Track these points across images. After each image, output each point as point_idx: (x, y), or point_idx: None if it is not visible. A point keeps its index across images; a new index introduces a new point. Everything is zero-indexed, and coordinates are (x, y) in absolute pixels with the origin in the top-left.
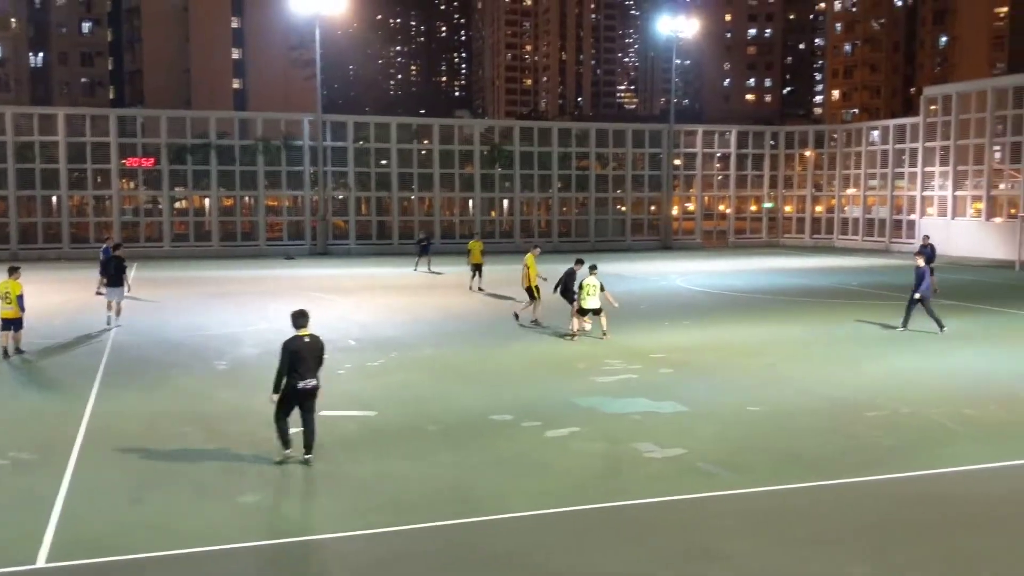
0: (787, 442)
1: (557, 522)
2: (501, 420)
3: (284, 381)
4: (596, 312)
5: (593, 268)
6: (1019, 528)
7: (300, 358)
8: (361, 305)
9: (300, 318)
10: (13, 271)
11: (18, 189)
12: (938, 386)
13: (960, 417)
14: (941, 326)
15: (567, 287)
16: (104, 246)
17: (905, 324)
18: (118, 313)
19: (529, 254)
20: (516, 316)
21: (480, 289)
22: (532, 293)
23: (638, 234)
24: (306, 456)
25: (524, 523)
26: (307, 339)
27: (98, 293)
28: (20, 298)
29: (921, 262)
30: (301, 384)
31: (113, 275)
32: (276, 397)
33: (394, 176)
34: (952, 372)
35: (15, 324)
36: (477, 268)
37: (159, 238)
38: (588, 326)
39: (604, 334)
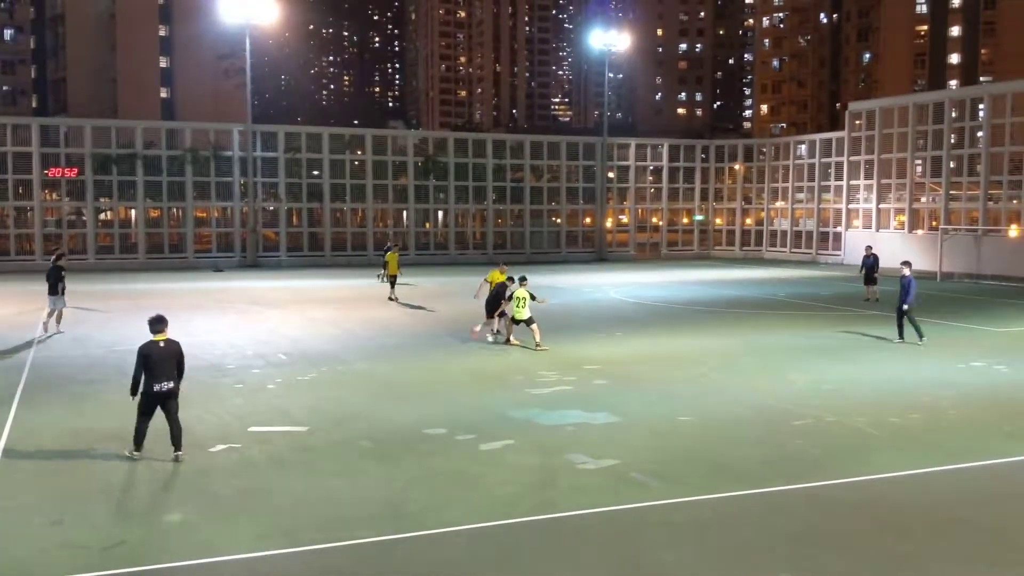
0: (717, 451)
1: (491, 536)
2: (435, 434)
3: (142, 384)
4: (528, 323)
5: (523, 280)
6: (944, 533)
7: (154, 362)
8: (291, 318)
9: (157, 324)
10: None
11: None
12: (862, 395)
13: (884, 425)
14: (921, 335)
15: (497, 299)
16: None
17: (901, 335)
18: (59, 320)
19: (495, 271)
20: (474, 332)
21: (393, 299)
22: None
23: (573, 246)
24: (176, 453)
25: (458, 538)
26: (162, 344)
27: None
28: None
29: (907, 271)
30: (157, 387)
31: (52, 284)
32: (135, 399)
33: (326, 187)
34: (876, 381)
35: None
36: (393, 279)
37: (83, 250)
38: (490, 338)
39: (537, 345)
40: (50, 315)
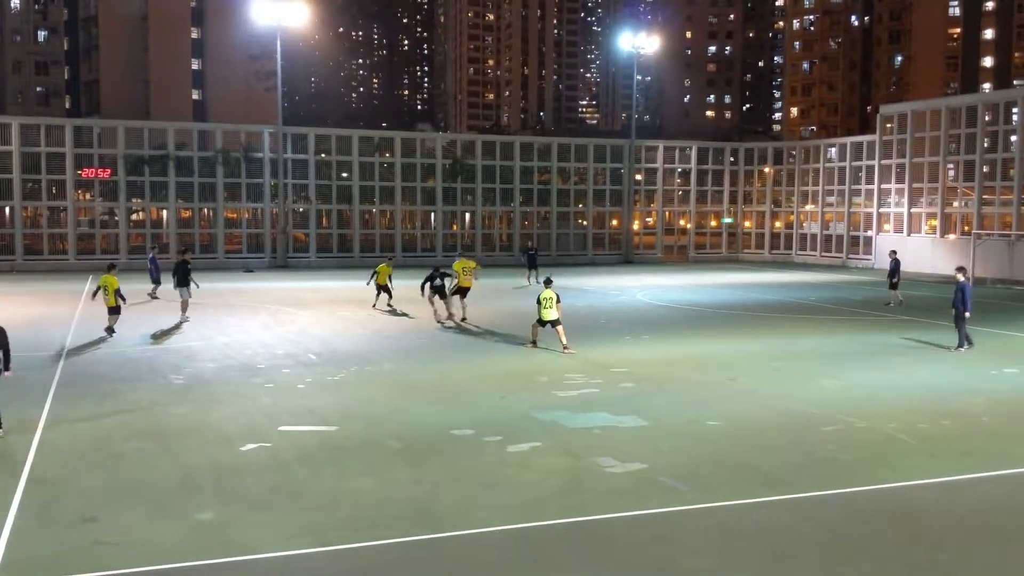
0: (746, 456)
1: (518, 538)
2: (462, 435)
3: None
4: (554, 324)
5: (548, 281)
6: (977, 542)
7: None
8: (321, 319)
9: None
10: (111, 268)
11: None
12: (893, 400)
13: (915, 431)
14: (960, 345)
15: (431, 284)
16: (150, 255)
17: (967, 341)
18: (184, 310)
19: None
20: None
21: (379, 307)
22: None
23: (599, 248)
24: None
25: (485, 539)
26: None
27: (152, 296)
28: (117, 291)
29: (961, 277)
30: None
31: (180, 277)
32: None
33: (355, 189)
34: (907, 387)
35: (113, 310)
36: (383, 289)
37: (115, 250)
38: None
39: (565, 348)
40: (184, 308)
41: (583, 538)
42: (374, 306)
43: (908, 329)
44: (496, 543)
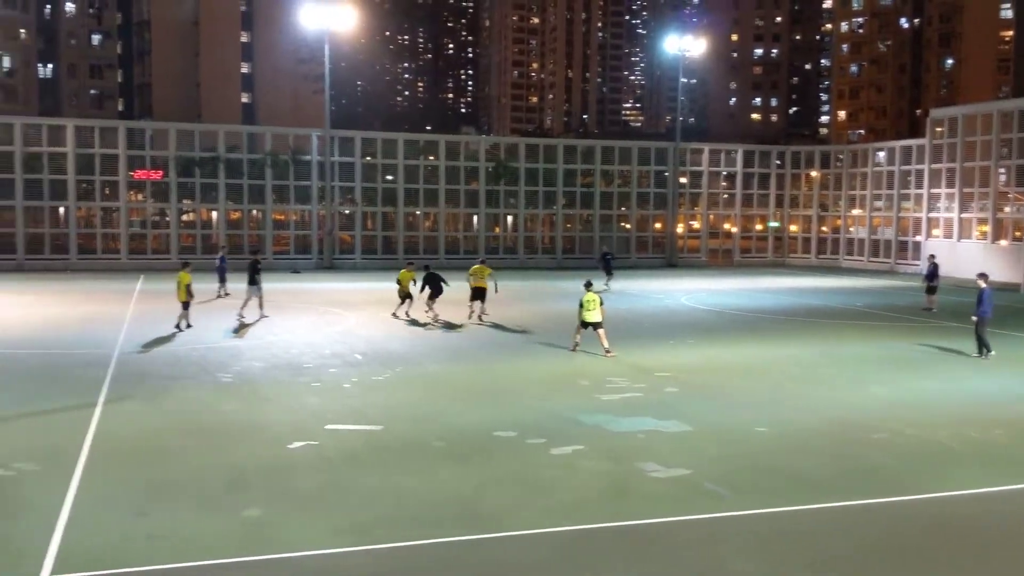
0: (792, 463)
1: (562, 540)
2: (505, 437)
3: None
4: (596, 327)
5: (589, 284)
6: (1022, 554)
7: None
8: (367, 320)
9: None
10: (185, 265)
11: (25, 200)
12: (943, 408)
13: (965, 440)
14: (980, 352)
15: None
16: (220, 255)
17: (986, 348)
18: (261, 306)
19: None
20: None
21: (401, 315)
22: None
23: (643, 251)
24: None
25: (528, 541)
26: None
27: (222, 295)
28: (188, 286)
29: (983, 283)
30: None
31: (250, 275)
32: None
33: (400, 191)
34: (957, 395)
35: (185, 305)
36: (407, 296)
37: (166, 250)
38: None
39: (607, 351)
40: (245, 304)
41: (626, 542)
42: (394, 314)
43: (957, 336)
44: (539, 545)
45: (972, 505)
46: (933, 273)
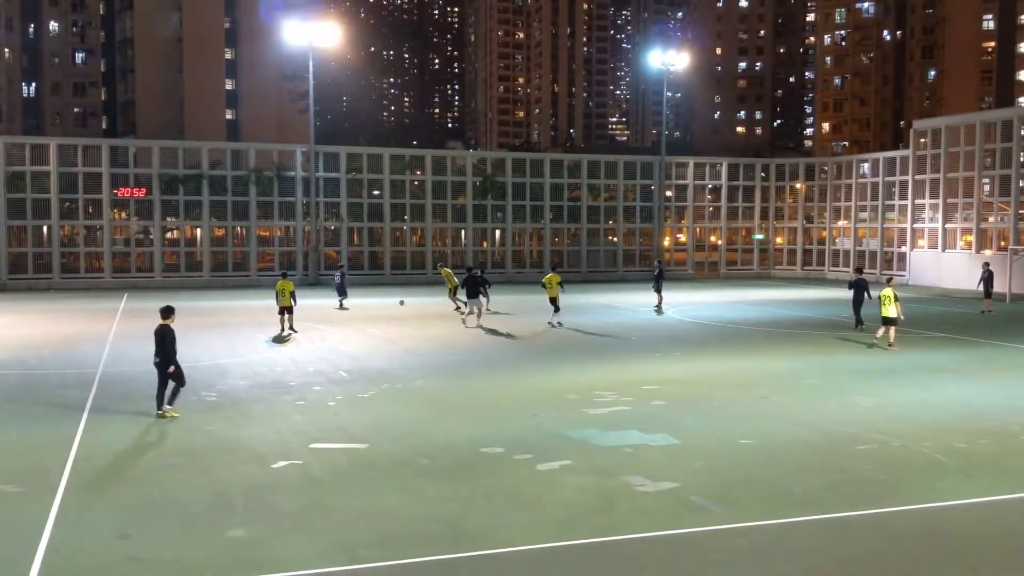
0: (779, 476)
1: (549, 557)
2: (492, 453)
3: None
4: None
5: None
6: (1016, 564)
7: None
8: (352, 336)
9: None
10: (285, 275)
11: (8, 219)
12: (928, 419)
13: (951, 450)
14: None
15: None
16: (339, 271)
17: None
18: (479, 316)
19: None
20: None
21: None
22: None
23: (630, 265)
24: None
25: (516, 558)
26: None
27: (341, 308)
28: (292, 293)
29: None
30: None
31: (471, 289)
32: None
33: (387, 206)
34: (943, 405)
35: (289, 310)
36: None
37: (150, 268)
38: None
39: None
40: (479, 314)
41: (614, 557)
42: (463, 321)
43: (942, 346)
44: (527, 562)
45: (960, 516)
46: (989, 279)
